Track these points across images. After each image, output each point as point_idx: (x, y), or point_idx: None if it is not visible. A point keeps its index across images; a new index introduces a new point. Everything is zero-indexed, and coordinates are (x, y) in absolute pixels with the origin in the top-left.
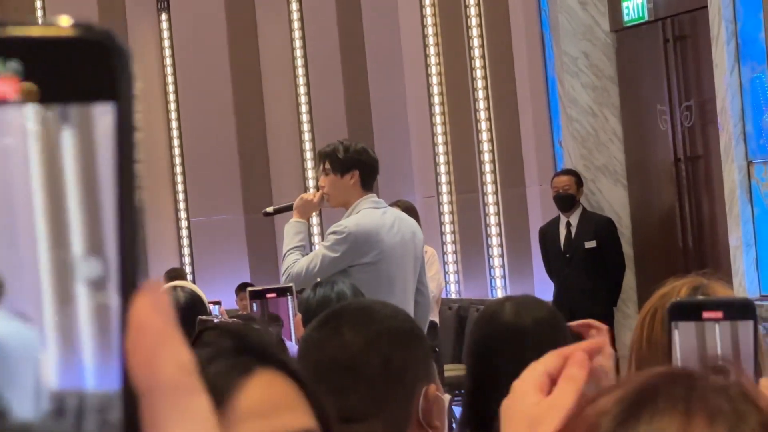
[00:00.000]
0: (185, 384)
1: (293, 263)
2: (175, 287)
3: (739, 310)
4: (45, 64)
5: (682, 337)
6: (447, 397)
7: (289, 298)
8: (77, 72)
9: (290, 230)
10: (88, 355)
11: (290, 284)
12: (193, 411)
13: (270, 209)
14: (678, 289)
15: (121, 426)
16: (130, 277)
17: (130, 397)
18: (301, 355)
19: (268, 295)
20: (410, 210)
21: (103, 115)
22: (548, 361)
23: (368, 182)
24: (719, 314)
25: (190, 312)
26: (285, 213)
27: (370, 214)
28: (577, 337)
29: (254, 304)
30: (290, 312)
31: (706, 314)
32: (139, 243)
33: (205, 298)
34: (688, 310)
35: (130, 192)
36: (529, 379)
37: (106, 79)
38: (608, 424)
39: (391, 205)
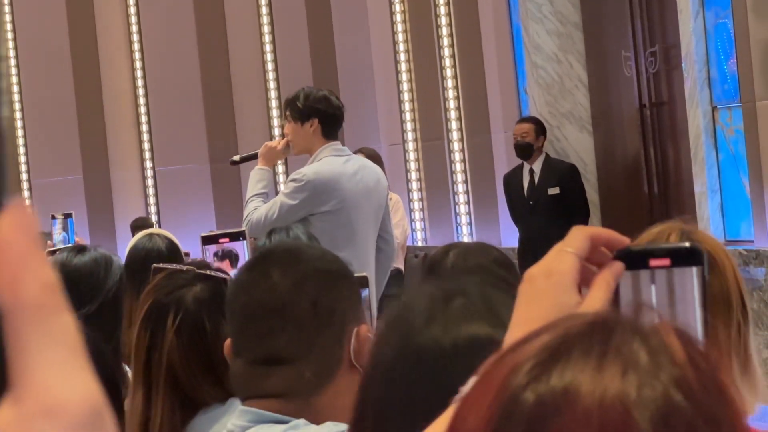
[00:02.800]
0: (49, 302)
1: (253, 210)
2: (150, 235)
3: (687, 256)
4: None
5: (626, 286)
6: None
7: (243, 242)
8: None
9: (254, 177)
10: None
11: (243, 229)
12: (56, 328)
13: (236, 158)
14: (665, 234)
15: None
16: None
17: None
18: (229, 298)
19: (221, 240)
20: (374, 158)
21: None
22: (579, 245)
23: (329, 130)
24: (666, 261)
25: (172, 260)
26: (252, 161)
27: (331, 161)
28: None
29: (207, 250)
30: (244, 257)
31: (653, 262)
32: (2, 166)
33: (180, 246)
34: (636, 258)
35: None
36: (568, 270)
37: None
38: (520, 378)
39: (355, 152)
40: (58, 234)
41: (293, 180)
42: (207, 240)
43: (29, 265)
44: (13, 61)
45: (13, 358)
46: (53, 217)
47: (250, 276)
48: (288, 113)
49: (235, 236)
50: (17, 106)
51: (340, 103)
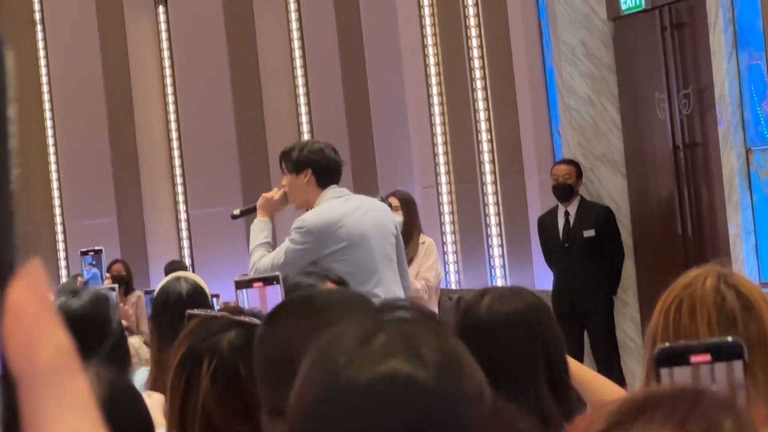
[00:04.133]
0: (62, 366)
1: (259, 258)
2: (177, 278)
3: (727, 351)
4: None
5: (668, 384)
6: None
7: (277, 286)
8: None
9: (255, 228)
10: None
11: (277, 273)
12: (71, 392)
13: (236, 211)
14: (702, 278)
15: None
16: (6, 263)
17: (8, 384)
18: (254, 348)
19: (255, 284)
20: (407, 201)
21: None
22: None
23: (324, 180)
24: (707, 357)
25: (192, 303)
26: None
27: (329, 205)
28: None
29: (240, 294)
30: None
31: (694, 358)
32: (14, 228)
33: (208, 290)
34: (676, 356)
35: (3, 178)
36: None
37: None
38: (600, 424)
39: (388, 195)
40: (88, 270)
41: (296, 228)
42: (240, 284)
43: (42, 329)
44: (47, 105)
45: (29, 423)
46: (83, 254)
47: (269, 327)
48: (283, 165)
49: (269, 280)
50: (51, 149)
51: (337, 156)
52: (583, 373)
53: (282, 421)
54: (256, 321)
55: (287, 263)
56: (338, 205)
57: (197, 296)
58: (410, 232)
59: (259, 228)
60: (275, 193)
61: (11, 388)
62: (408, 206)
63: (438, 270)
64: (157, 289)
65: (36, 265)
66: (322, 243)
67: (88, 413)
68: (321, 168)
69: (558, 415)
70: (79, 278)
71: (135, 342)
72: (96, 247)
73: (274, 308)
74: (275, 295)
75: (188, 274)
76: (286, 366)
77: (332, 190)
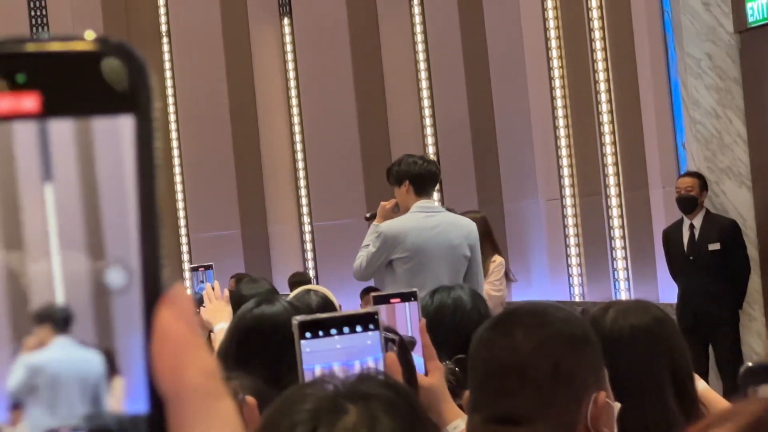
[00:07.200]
0: (210, 388)
1: (356, 259)
2: (308, 291)
3: None
4: (65, 79)
5: None
6: (617, 405)
7: (415, 303)
8: (96, 85)
9: (368, 232)
10: (134, 374)
11: (415, 290)
12: (218, 414)
13: (368, 215)
14: None
15: (147, 428)
16: (154, 286)
17: (156, 404)
18: (472, 354)
19: (392, 300)
20: (479, 220)
21: (122, 127)
22: None
23: (421, 189)
24: None
25: None
26: None
27: (408, 217)
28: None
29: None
30: (415, 317)
31: None
32: (161, 250)
33: (337, 303)
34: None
35: (151, 201)
36: None
37: (124, 92)
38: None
39: (464, 213)
40: (197, 285)
41: (373, 231)
42: (378, 300)
43: (190, 352)
44: (172, 116)
45: None
46: (193, 270)
47: (493, 334)
48: (389, 179)
49: (407, 296)
50: (176, 161)
51: (431, 166)
52: (707, 395)
53: (498, 428)
54: (392, 335)
55: (369, 263)
56: (414, 219)
57: (327, 309)
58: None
59: (369, 231)
60: (390, 202)
61: (159, 409)
62: (477, 226)
63: (500, 288)
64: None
65: (181, 288)
66: (390, 249)
67: None
68: (416, 177)
69: (685, 427)
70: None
71: None
72: (206, 263)
73: (501, 315)
74: (412, 312)
75: (318, 287)
76: (512, 374)
77: (419, 204)
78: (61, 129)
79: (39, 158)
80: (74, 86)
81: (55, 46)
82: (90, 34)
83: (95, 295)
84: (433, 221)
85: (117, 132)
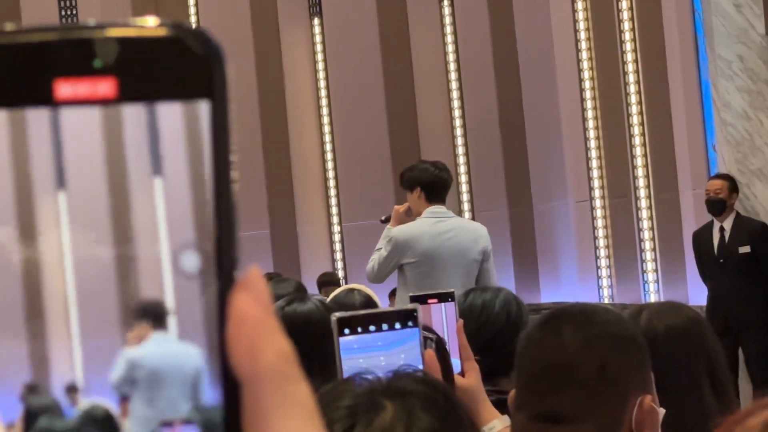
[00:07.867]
0: (285, 371)
1: (369, 262)
2: (351, 290)
3: None
4: (141, 64)
5: None
6: (662, 411)
7: (452, 303)
8: (172, 71)
9: (382, 234)
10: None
11: (452, 290)
12: (293, 397)
13: (383, 218)
14: None
15: (223, 412)
16: (229, 270)
17: (231, 386)
18: (519, 352)
19: (430, 301)
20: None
21: (199, 113)
22: None
23: (432, 195)
24: None
25: None
26: None
27: (418, 222)
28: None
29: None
30: (452, 317)
31: None
32: (236, 236)
33: (379, 302)
34: None
35: (226, 187)
36: None
37: (200, 78)
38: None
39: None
40: None
41: (385, 236)
42: (415, 299)
43: (265, 334)
44: None
45: (253, 424)
46: None
47: (542, 332)
48: (401, 184)
49: (444, 297)
50: None
51: (443, 173)
52: None
53: (542, 427)
54: (431, 335)
55: (380, 266)
56: (425, 224)
57: (370, 308)
58: None
59: (383, 234)
60: (403, 206)
61: (234, 390)
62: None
63: None
64: (327, 301)
65: (256, 271)
66: (400, 253)
67: (312, 418)
68: (427, 184)
69: None
70: None
71: None
72: None
73: (550, 314)
74: (449, 313)
75: (360, 286)
76: (559, 372)
77: (431, 209)
78: (137, 114)
79: (113, 145)
80: (151, 71)
81: (131, 32)
82: (157, 20)
83: (185, 288)
84: (444, 226)
85: (194, 117)
